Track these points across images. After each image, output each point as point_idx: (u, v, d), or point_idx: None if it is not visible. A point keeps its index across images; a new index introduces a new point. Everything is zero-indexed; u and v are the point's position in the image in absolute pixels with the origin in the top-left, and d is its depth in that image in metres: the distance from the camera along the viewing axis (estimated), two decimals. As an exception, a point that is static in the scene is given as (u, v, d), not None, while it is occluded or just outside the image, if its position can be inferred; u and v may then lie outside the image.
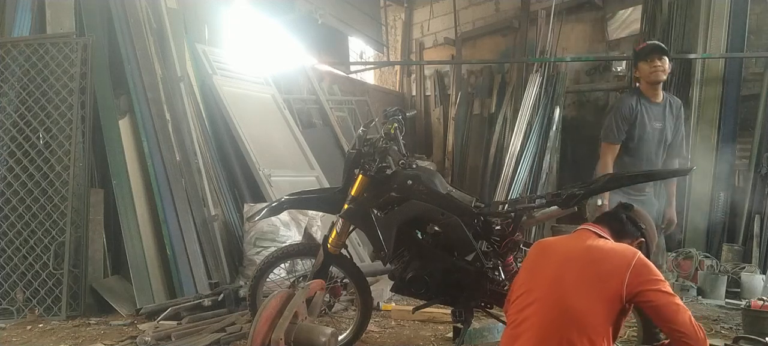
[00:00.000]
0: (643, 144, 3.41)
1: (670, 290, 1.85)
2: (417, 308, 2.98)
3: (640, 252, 1.89)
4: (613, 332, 1.85)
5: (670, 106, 3.48)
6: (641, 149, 3.41)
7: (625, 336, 3.37)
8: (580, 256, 1.94)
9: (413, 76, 9.54)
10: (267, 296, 2.59)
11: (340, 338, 2.99)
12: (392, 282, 2.90)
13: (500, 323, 3.01)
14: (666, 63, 3.35)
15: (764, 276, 4.79)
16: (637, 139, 3.41)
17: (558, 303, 1.84)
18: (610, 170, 3.40)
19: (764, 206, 5.30)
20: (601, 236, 2.01)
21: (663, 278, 1.85)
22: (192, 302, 3.79)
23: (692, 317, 1.82)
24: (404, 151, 2.89)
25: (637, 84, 3.53)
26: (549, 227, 6.22)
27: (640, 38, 6.54)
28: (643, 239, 2.08)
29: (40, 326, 3.63)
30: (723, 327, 3.81)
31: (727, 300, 4.64)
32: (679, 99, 3.61)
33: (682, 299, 1.89)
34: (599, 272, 1.84)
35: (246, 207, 4.64)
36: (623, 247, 1.93)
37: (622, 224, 2.08)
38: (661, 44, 3.45)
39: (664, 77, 3.38)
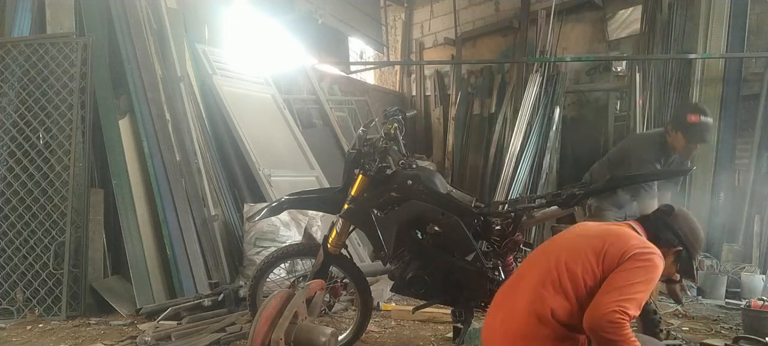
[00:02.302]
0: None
1: (631, 288, 1.70)
2: (417, 308, 2.98)
3: (640, 250, 1.78)
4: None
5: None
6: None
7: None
8: (586, 231, 1.92)
9: (413, 76, 9.54)
10: (267, 296, 2.59)
11: (340, 338, 2.99)
12: (392, 282, 2.90)
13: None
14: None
15: (764, 276, 4.79)
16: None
17: (554, 257, 1.85)
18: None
19: (764, 206, 5.30)
20: (635, 231, 1.93)
21: (639, 288, 1.72)
22: (192, 302, 3.79)
23: (618, 312, 1.65)
24: (404, 151, 2.89)
25: (668, 135, 3.37)
26: (549, 227, 6.22)
27: (640, 39, 6.55)
28: (681, 249, 1.96)
29: (40, 326, 3.63)
30: (723, 327, 3.81)
31: (727, 300, 4.63)
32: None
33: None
34: (596, 244, 1.82)
35: (246, 207, 4.64)
36: (634, 239, 1.84)
37: (659, 229, 1.97)
38: (707, 136, 3.29)
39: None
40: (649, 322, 2.52)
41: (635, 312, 1.69)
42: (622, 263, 1.75)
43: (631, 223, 2.01)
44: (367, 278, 3.28)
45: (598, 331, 1.65)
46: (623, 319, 1.64)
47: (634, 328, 3.00)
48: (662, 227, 1.97)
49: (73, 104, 4.04)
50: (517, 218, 2.72)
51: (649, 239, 1.92)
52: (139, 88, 4.39)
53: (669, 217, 1.99)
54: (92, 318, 3.79)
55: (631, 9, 7.34)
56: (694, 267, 2.01)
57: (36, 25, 4.34)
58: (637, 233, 1.93)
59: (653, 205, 3.23)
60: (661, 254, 1.83)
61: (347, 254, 3.05)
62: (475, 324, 3.02)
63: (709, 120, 3.19)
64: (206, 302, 3.77)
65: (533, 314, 1.77)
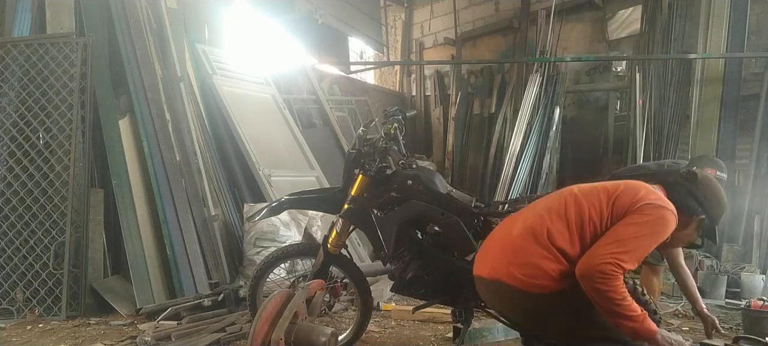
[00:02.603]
0: None
1: (634, 241, 1.65)
2: (417, 308, 2.98)
3: (652, 202, 1.72)
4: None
5: None
6: None
7: (625, 336, 3.36)
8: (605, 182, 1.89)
9: (413, 76, 9.54)
10: (267, 296, 2.58)
11: (340, 338, 2.99)
12: (392, 282, 2.90)
13: (500, 324, 3.01)
14: None
15: (764, 276, 4.79)
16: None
17: (566, 193, 1.84)
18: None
19: (764, 206, 5.30)
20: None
21: (642, 242, 1.67)
22: (192, 302, 3.79)
23: (612, 264, 1.61)
24: (404, 151, 2.89)
25: None
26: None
27: (640, 39, 6.55)
28: (702, 217, 1.88)
29: (40, 326, 3.63)
30: (723, 327, 3.80)
31: (727, 300, 4.63)
32: None
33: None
34: (610, 187, 1.78)
35: (246, 207, 4.64)
36: (650, 192, 1.78)
37: (681, 196, 1.87)
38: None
39: None
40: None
41: (631, 266, 1.65)
42: (631, 212, 1.70)
43: (654, 186, 1.92)
44: (367, 278, 3.28)
45: (589, 279, 1.62)
46: (616, 272, 1.61)
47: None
48: (685, 195, 1.87)
49: (73, 104, 4.04)
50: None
51: (672, 203, 1.84)
52: (139, 88, 4.39)
53: (693, 184, 1.90)
54: (92, 318, 3.79)
55: (631, 9, 7.34)
56: (717, 231, 1.94)
57: (36, 25, 4.34)
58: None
59: (678, 250, 3.18)
60: (675, 211, 1.76)
61: (347, 254, 3.05)
62: (475, 324, 3.03)
63: (724, 176, 3.18)
64: (206, 302, 3.77)
65: (530, 230, 1.77)
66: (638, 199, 1.72)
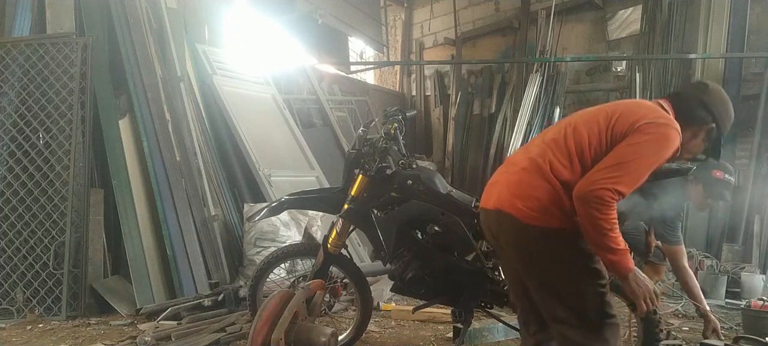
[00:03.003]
0: None
1: (634, 164, 1.62)
2: (417, 308, 2.98)
3: (652, 120, 1.69)
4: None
5: None
6: None
7: (626, 336, 3.37)
8: (607, 105, 1.87)
9: (413, 76, 9.54)
10: (267, 296, 2.58)
11: (340, 338, 2.99)
12: (392, 282, 2.90)
13: (500, 324, 3.01)
14: None
15: (764, 276, 4.79)
16: None
17: (565, 122, 1.84)
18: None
19: (764, 206, 5.30)
20: (662, 108, 1.83)
21: (643, 163, 1.64)
22: (192, 302, 3.79)
23: (610, 190, 1.58)
24: (404, 151, 2.89)
25: (688, 183, 3.22)
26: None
27: (640, 39, 6.56)
28: (713, 126, 1.85)
29: (40, 326, 3.63)
30: (723, 327, 3.80)
31: (727, 300, 4.64)
32: None
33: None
34: (609, 110, 1.77)
35: (246, 207, 4.64)
36: (650, 109, 1.75)
37: (690, 106, 1.84)
38: (727, 195, 3.16)
39: None
40: (649, 322, 2.52)
41: (628, 190, 1.63)
42: (631, 132, 1.67)
43: (660, 101, 1.89)
44: (367, 278, 3.28)
45: (584, 202, 1.61)
46: (613, 198, 1.59)
47: (635, 328, 3.01)
48: (696, 105, 1.84)
49: (73, 104, 4.04)
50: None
51: (678, 116, 1.81)
52: (139, 88, 4.39)
53: (704, 94, 1.87)
54: (92, 318, 3.79)
55: (631, 9, 7.34)
56: (721, 145, 1.93)
57: (36, 25, 4.34)
58: (664, 109, 1.82)
59: (681, 250, 3.18)
60: (678, 127, 1.74)
61: (347, 254, 3.05)
62: (475, 324, 3.03)
63: (732, 179, 3.11)
64: (206, 302, 3.77)
65: (534, 163, 1.77)
66: (638, 118, 1.69)
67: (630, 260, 1.64)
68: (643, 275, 1.69)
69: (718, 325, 3.11)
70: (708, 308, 3.12)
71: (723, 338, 3.12)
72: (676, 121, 1.75)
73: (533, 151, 1.82)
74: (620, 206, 2.45)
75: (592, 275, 1.75)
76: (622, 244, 1.63)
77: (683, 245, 3.19)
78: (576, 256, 1.72)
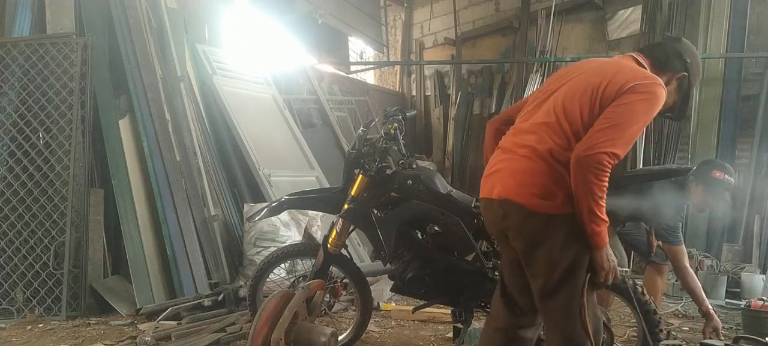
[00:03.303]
0: None
1: (627, 124, 1.66)
2: (417, 308, 2.98)
3: (641, 82, 1.72)
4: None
5: None
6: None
7: (626, 336, 3.37)
8: (588, 68, 1.88)
9: (413, 76, 9.55)
10: (267, 296, 2.59)
11: (340, 338, 2.99)
12: (392, 282, 2.90)
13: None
14: None
15: (764, 276, 4.80)
16: None
17: (552, 99, 1.84)
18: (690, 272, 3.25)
19: (764, 206, 5.30)
20: (639, 64, 1.89)
21: (636, 121, 1.68)
22: (192, 302, 3.79)
23: (608, 155, 1.61)
24: (404, 151, 2.89)
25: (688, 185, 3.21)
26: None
27: (640, 39, 6.56)
28: (685, 74, 1.93)
29: (40, 326, 3.63)
30: (723, 327, 3.81)
31: (727, 300, 4.64)
32: None
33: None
34: (595, 81, 1.78)
35: (246, 207, 4.64)
36: (634, 71, 1.79)
37: (666, 53, 1.92)
38: (727, 196, 3.16)
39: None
40: (649, 322, 2.52)
41: (624, 152, 1.67)
42: (620, 94, 1.70)
43: (634, 55, 1.95)
44: (367, 278, 3.28)
45: (582, 166, 1.63)
46: (610, 163, 1.62)
47: (634, 328, 3.01)
48: (671, 53, 1.93)
49: (73, 104, 4.04)
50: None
51: (653, 66, 1.89)
52: (139, 88, 4.39)
53: (678, 44, 1.97)
54: (92, 318, 3.79)
55: (631, 9, 7.34)
56: (691, 98, 2.00)
57: (36, 25, 4.34)
58: (641, 64, 1.89)
59: (682, 250, 3.17)
60: (663, 84, 1.78)
61: (347, 254, 3.05)
62: (475, 324, 3.03)
63: (732, 180, 3.11)
64: (206, 302, 3.77)
65: (533, 150, 1.77)
66: (626, 80, 1.72)
67: (607, 235, 1.69)
68: (611, 253, 1.74)
69: (720, 325, 3.11)
70: (710, 307, 3.13)
71: (723, 338, 3.12)
72: (658, 77, 1.81)
73: (529, 139, 1.81)
74: (622, 206, 2.44)
75: (586, 261, 1.77)
76: (606, 217, 1.67)
77: (684, 246, 3.18)
78: (581, 241, 1.73)
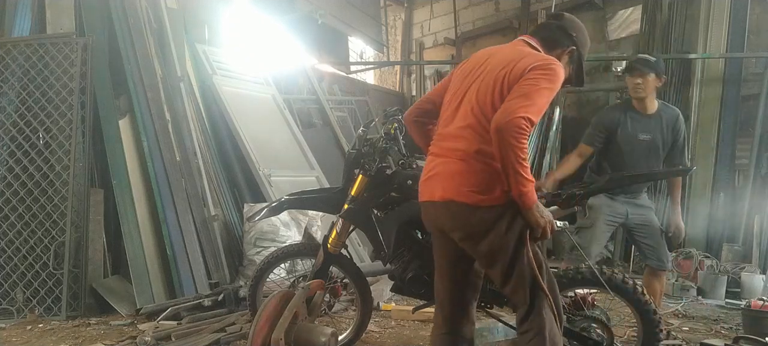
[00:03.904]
0: (627, 156, 3.31)
1: (536, 93, 1.79)
2: (417, 308, 2.98)
3: (540, 62, 1.86)
4: None
5: (663, 118, 3.32)
6: (625, 160, 3.31)
7: (625, 336, 3.37)
8: (490, 62, 1.99)
9: (413, 76, 9.55)
10: (267, 296, 2.59)
11: (340, 338, 2.99)
12: (392, 282, 2.90)
13: (500, 324, 3.01)
14: (649, 79, 3.23)
15: (764, 276, 4.79)
16: (621, 151, 3.32)
17: (467, 104, 1.95)
18: (570, 165, 3.43)
19: (764, 206, 5.30)
20: (532, 47, 2.03)
21: (543, 93, 1.80)
22: (192, 302, 3.79)
23: (524, 119, 1.74)
24: (404, 151, 2.88)
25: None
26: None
27: (640, 39, 6.56)
28: (573, 48, 2.09)
29: (40, 326, 3.63)
30: (723, 327, 3.81)
31: (727, 300, 4.64)
32: (677, 109, 3.45)
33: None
34: (499, 76, 1.89)
35: (246, 207, 4.64)
36: (532, 56, 1.92)
37: (552, 32, 2.08)
38: (646, 58, 3.33)
39: (644, 94, 3.26)
40: (649, 322, 2.52)
41: (536, 119, 1.80)
42: (523, 76, 1.83)
43: (524, 38, 2.09)
44: (367, 278, 3.28)
45: (503, 132, 1.74)
46: (527, 126, 1.74)
47: (634, 328, 3.02)
48: (555, 30, 2.09)
49: (73, 104, 4.04)
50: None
51: (544, 46, 2.03)
52: (139, 88, 4.40)
53: (561, 20, 2.12)
54: (92, 318, 3.79)
55: (631, 9, 7.35)
56: (583, 69, 2.17)
57: (36, 25, 4.34)
58: (535, 47, 2.03)
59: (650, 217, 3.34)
60: (559, 63, 1.93)
61: (347, 254, 3.05)
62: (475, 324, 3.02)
63: (642, 56, 3.33)
64: (206, 302, 3.77)
65: (465, 154, 1.90)
66: (525, 66, 1.85)
67: (535, 194, 1.83)
68: (544, 208, 1.86)
69: (682, 231, 3.42)
70: (680, 214, 3.44)
71: (723, 338, 3.12)
72: (551, 56, 1.95)
73: (458, 143, 1.93)
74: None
75: (526, 242, 1.91)
76: (531, 177, 1.80)
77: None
78: (522, 225, 1.88)
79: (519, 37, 2.13)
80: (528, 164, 1.80)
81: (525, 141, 1.75)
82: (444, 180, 1.95)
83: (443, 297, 2.20)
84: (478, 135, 1.89)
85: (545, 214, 1.86)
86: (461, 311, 2.17)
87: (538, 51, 2.00)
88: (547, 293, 1.92)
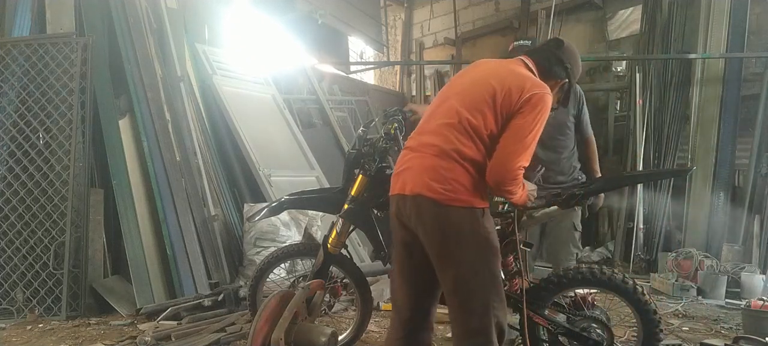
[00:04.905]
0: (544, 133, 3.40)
1: (529, 137, 1.85)
2: (417, 308, 2.97)
3: (535, 93, 1.88)
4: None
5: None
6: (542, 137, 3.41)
7: (625, 336, 3.37)
8: (480, 74, 2.02)
9: (413, 76, 9.54)
10: (267, 296, 2.58)
11: (340, 338, 2.99)
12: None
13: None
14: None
15: (764, 276, 4.79)
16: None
17: (455, 112, 1.95)
18: None
19: (764, 206, 5.30)
20: (528, 68, 2.05)
21: (535, 134, 1.88)
22: (192, 302, 3.79)
23: (519, 168, 1.86)
24: (404, 152, 2.88)
25: None
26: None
27: (640, 39, 6.56)
28: (566, 80, 2.12)
29: (40, 326, 3.63)
30: (723, 327, 3.81)
31: (727, 300, 4.63)
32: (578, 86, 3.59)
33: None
34: (492, 92, 1.91)
35: (246, 207, 4.64)
36: (528, 80, 1.93)
37: (550, 62, 2.09)
38: (522, 44, 3.36)
39: None
40: (649, 322, 2.52)
41: (528, 162, 1.91)
42: (521, 104, 1.87)
43: (524, 59, 2.09)
44: (367, 278, 3.28)
45: (501, 185, 1.87)
46: (522, 171, 1.88)
47: (634, 328, 3.02)
48: (554, 62, 2.09)
49: (73, 104, 4.04)
50: (517, 217, 2.72)
51: (541, 73, 2.05)
52: (139, 88, 4.40)
53: (559, 50, 2.11)
54: (92, 318, 3.79)
55: (631, 9, 7.34)
56: (569, 97, 2.20)
57: (36, 25, 4.34)
58: (530, 69, 2.05)
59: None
60: (550, 90, 1.96)
61: (347, 254, 3.05)
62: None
63: (521, 42, 3.37)
64: (206, 302, 3.77)
65: (441, 150, 1.90)
66: (523, 90, 1.88)
67: (525, 193, 2.00)
68: (529, 186, 2.03)
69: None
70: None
71: (723, 338, 3.12)
72: (547, 85, 1.97)
73: (435, 139, 1.93)
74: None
75: (494, 250, 1.95)
76: (523, 185, 1.95)
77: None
78: (487, 230, 1.91)
79: (519, 57, 2.12)
80: (520, 184, 1.92)
81: (521, 180, 1.90)
82: (416, 174, 1.92)
83: (402, 300, 2.07)
84: (458, 133, 1.89)
85: (531, 194, 2.05)
86: (421, 317, 2.08)
87: (534, 74, 2.03)
88: (492, 331, 1.89)
